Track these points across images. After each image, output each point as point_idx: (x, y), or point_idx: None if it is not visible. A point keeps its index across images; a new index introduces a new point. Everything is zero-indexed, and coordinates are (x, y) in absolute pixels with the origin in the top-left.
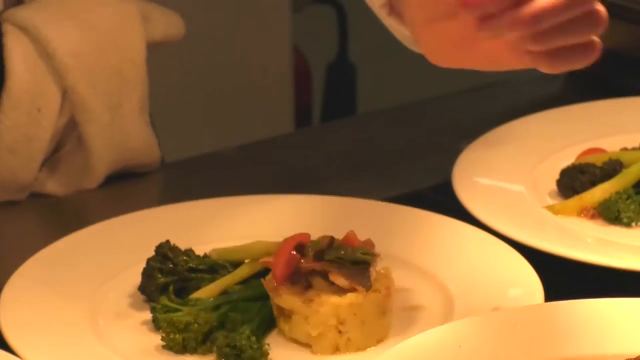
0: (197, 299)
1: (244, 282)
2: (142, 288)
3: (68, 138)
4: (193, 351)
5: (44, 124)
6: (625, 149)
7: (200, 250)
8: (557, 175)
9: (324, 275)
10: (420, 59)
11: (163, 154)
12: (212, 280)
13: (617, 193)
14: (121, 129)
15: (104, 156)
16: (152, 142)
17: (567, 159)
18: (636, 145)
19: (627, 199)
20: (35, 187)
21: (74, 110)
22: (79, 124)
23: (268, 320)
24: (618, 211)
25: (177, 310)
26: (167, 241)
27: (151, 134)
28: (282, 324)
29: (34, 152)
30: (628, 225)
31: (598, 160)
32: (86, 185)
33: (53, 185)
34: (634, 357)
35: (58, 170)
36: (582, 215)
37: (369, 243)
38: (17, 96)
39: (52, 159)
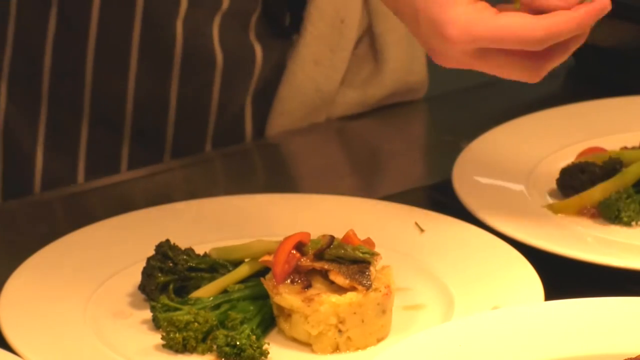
0: (197, 298)
1: (244, 281)
2: (142, 287)
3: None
4: (193, 350)
5: (347, 35)
6: (625, 148)
7: (200, 250)
8: (557, 174)
9: (324, 274)
10: None
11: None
12: (212, 279)
13: (617, 192)
14: (413, 46)
15: (397, 67)
16: (425, 69)
17: (567, 158)
18: (636, 144)
19: (627, 198)
20: (337, 99)
21: (373, 20)
22: (377, 35)
23: (268, 319)
24: (618, 210)
25: (177, 309)
26: (167, 240)
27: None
28: (282, 323)
29: (338, 63)
30: (628, 224)
31: (598, 159)
32: (376, 94)
33: (353, 94)
34: (634, 357)
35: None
36: (582, 214)
37: (369, 242)
38: (322, 7)
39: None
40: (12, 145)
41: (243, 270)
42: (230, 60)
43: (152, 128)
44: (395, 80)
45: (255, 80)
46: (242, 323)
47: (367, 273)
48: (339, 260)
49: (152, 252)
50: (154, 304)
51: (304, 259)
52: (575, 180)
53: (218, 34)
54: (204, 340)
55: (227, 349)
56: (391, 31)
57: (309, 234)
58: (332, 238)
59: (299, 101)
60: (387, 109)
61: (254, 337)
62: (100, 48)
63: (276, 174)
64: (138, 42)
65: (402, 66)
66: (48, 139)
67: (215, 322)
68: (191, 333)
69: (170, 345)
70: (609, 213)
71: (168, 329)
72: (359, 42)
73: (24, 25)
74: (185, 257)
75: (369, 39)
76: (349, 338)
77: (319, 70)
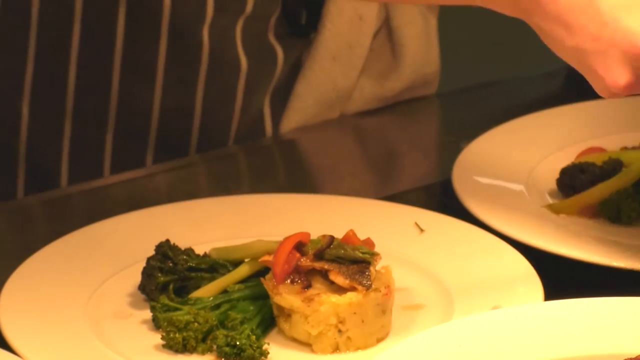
0: (197, 298)
1: (244, 281)
2: (142, 287)
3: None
4: (193, 350)
5: (365, 31)
6: (625, 148)
7: (200, 250)
8: (557, 175)
9: (324, 274)
10: None
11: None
12: (212, 279)
13: (617, 192)
14: (429, 40)
15: (415, 60)
16: (439, 60)
17: (567, 158)
18: (636, 144)
19: (627, 198)
20: (354, 94)
21: (391, 13)
22: (395, 28)
23: (268, 319)
24: (618, 210)
25: (177, 309)
26: (167, 240)
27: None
28: (282, 323)
29: (355, 59)
30: (628, 224)
31: (598, 159)
32: (395, 87)
33: (371, 87)
34: (634, 357)
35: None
36: (582, 214)
37: (369, 242)
38: (341, 4)
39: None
40: (36, 159)
41: (243, 270)
42: (253, 63)
43: (177, 135)
44: (413, 72)
45: (275, 80)
46: (242, 323)
47: (367, 273)
48: (339, 260)
49: (152, 252)
50: (154, 304)
51: (304, 259)
52: (575, 180)
53: (241, 38)
54: (204, 340)
55: (227, 349)
56: (409, 24)
57: (309, 234)
58: (332, 238)
59: (315, 98)
60: (396, 107)
61: (254, 337)
62: (127, 61)
63: (276, 174)
64: (165, 52)
65: (420, 58)
66: (72, 152)
67: (215, 322)
68: (191, 333)
69: (170, 345)
70: (609, 213)
71: (168, 329)
72: (375, 35)
73: (46, 42)
74: (185, 257)
75: (386, 32)
76: (348, 338)
77: (336, 67)
